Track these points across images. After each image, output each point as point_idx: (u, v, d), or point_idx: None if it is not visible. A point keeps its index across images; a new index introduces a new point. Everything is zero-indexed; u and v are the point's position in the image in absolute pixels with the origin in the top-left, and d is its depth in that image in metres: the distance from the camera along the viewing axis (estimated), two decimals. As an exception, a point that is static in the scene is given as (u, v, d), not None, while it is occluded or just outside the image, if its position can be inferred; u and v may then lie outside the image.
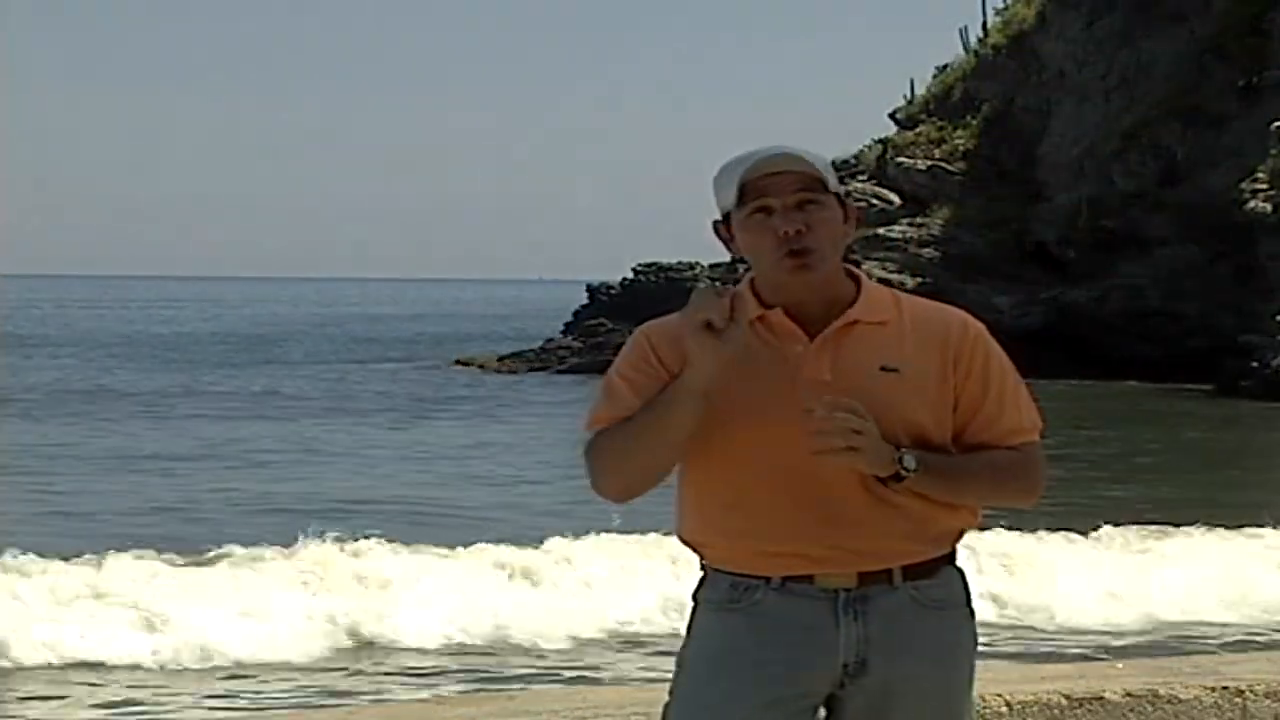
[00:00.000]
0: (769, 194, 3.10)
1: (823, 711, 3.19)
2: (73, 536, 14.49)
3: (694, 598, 3.25)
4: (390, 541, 12.79)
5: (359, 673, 10.90)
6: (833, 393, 3.06)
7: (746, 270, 3.25)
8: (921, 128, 49.46)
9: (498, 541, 13.12)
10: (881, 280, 3.32)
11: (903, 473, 3.04)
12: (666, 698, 3.23)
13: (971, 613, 3.24)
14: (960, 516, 3.19)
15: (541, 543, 12.95)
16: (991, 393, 3.16)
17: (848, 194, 3.21)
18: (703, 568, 3.24)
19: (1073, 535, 14.03)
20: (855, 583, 3.11)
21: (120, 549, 12.31)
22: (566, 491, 17.30)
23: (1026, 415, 3.20)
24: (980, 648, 3.28)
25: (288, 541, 12.60)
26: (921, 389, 3.12)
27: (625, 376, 3.17)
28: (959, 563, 3.25)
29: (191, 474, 21.24)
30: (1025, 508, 3.26)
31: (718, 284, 3.34)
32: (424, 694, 9.63)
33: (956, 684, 3.19)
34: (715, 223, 3.21)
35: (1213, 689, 4.87)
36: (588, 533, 13.13)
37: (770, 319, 3.15)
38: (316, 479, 21.00)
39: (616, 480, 3.17)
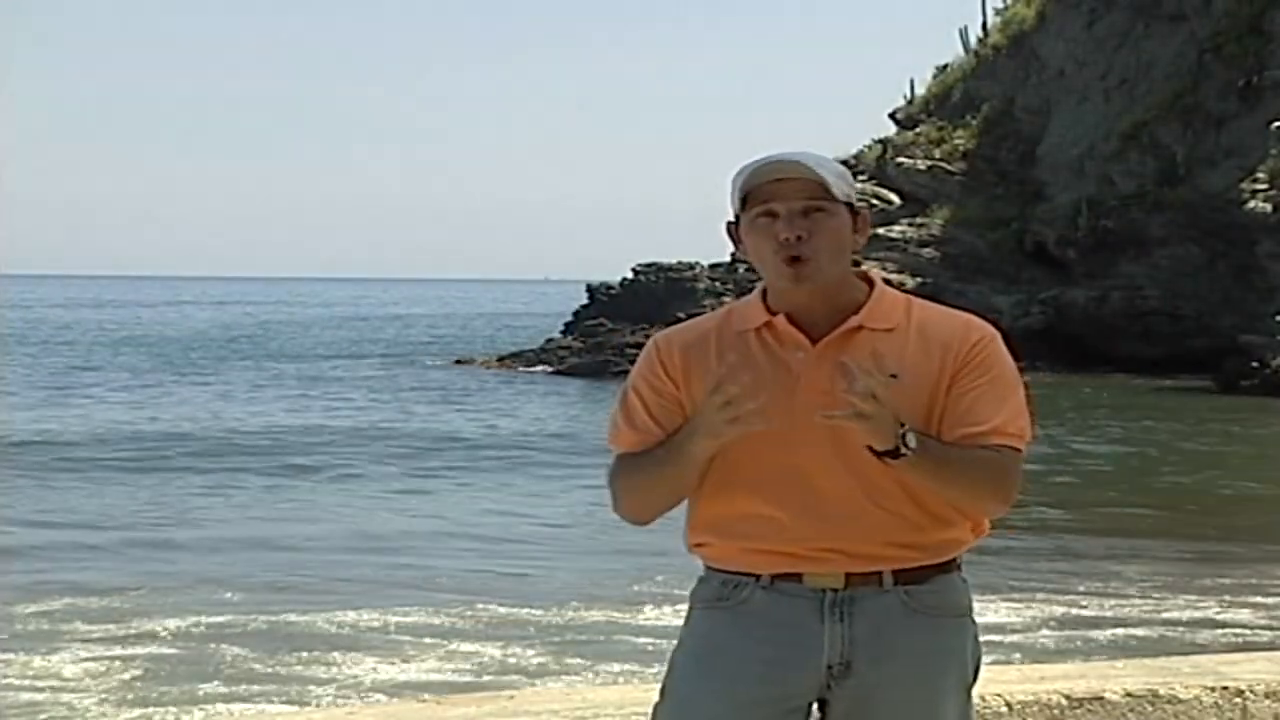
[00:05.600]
0: (775, 199, 3.10)
1: (817, 714, 3.19)
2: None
3: (690, 598, 3.27)
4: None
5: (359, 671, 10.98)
6: (831, 402, 3.05)
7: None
8: (921, 128, 49.50)
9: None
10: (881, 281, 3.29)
11: (903, 450, 3.00)
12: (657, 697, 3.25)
13: (972, 623, 3.21)
14: (960, 528, 3.17)
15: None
16: (979, 389, 3.11)
17: (860, 201, 3.20)
18: (704, 569, 3.26)
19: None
20: (843, 583, 3.11)
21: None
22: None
23: (1015, 421, 3.14)
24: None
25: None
26: (919, 396, 3.10)
27: (638, 390, 3.21)
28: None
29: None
30: (996, 515, 3.22)
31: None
32: (424, 694, 9.65)
33: (942, 692, 3.15)
34: (728, 224, 3.23)
35: (1213, 689, 4.85)
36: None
37: (775, 325, 3.15)
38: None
39: (634, 512, 3.23)
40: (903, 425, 3.00)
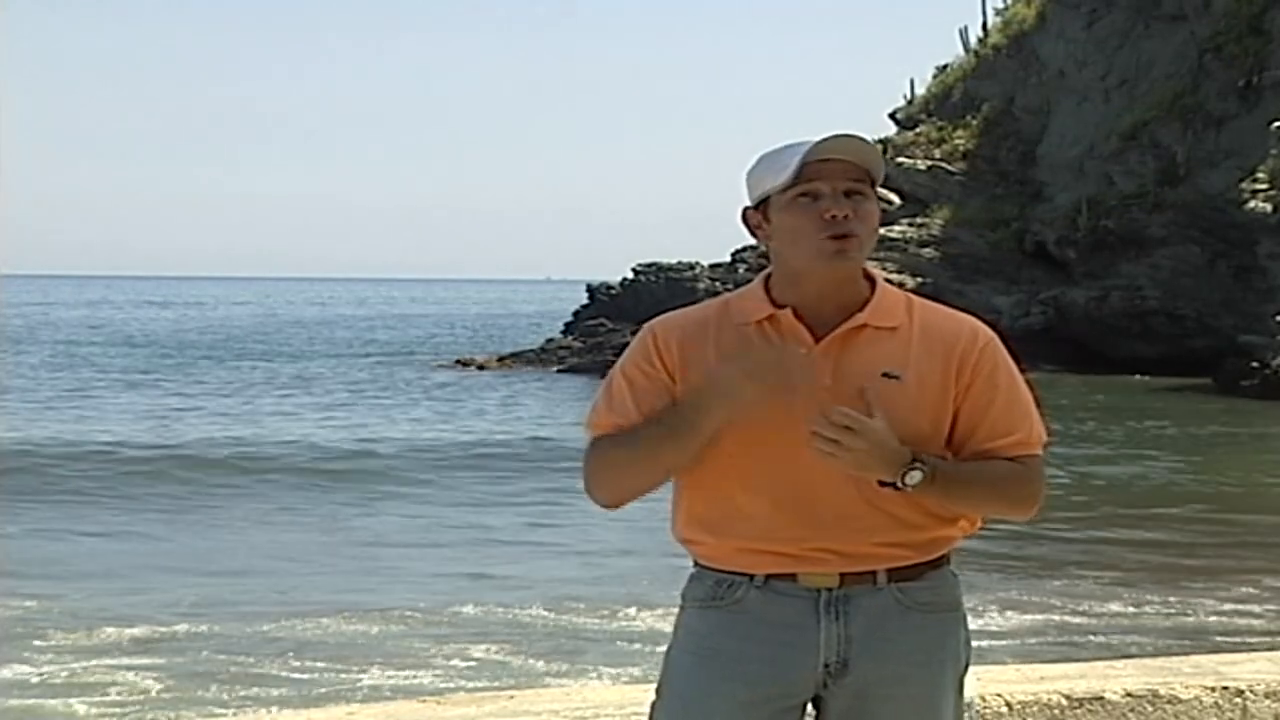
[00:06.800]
0: (821, 178, 3.10)
1: (812, 712, 3.19)
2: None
3: (681, 596, 3.25)
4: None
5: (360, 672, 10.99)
6: (832, 398, 3.05)
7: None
8: (921, 128, 49.49)
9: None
10: (882, 281, 3.28)
11: (900, 485, 3.03)
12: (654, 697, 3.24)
13: (963, 616, 3.23)
14: (956, 526, 3.18)
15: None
16: (997, 403, 3.12)
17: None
18: (694, 566, 3.25)
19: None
20: (838, 583, 3.11)
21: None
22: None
23: (1032, 428, 3.16)
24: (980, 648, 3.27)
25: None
26: (922, 396, 3.10)
27: (628, 376, 3.18)
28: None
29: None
30: (1020, 520, 3.24)
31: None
32: (424, 693, 9.64)
33: (939, 687, 3.17)
34: (746, 209, 3.20)
35: (1213, 689, 4.85)
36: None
37: (779, 319, 3.13)
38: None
39: (610, 494, 3.20)
40: (912, 462, 3.02)
